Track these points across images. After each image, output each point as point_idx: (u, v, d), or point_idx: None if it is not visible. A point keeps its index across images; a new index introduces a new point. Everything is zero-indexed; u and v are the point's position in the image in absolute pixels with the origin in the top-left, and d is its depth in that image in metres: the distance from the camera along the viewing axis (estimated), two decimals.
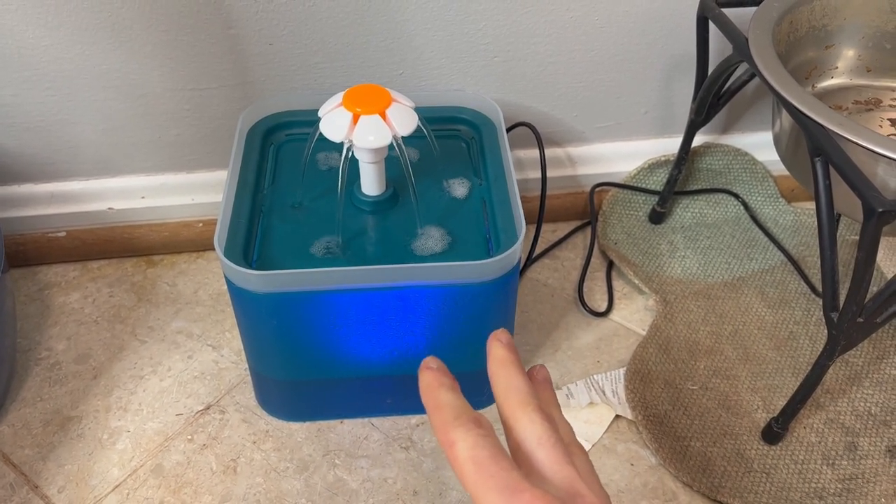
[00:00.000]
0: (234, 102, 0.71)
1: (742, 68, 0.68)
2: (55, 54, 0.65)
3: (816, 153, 0.51)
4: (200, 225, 0.78)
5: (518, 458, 0.30)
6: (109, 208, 0.76)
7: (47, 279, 0.78)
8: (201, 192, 0.77)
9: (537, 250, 0.80)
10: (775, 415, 0.63)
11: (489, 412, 0.66)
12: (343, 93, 0.54)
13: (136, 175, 0.76)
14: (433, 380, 0.32)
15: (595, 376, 0.69)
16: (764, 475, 0.61)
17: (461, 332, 0.59)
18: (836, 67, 0.71)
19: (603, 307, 0.75)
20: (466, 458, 0.28)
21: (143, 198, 0.76)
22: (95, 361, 0.70)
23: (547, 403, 0.33)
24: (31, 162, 0.73)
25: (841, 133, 0.50)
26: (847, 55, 0.71)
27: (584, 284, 0.77)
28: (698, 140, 0.81)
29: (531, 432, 0.30)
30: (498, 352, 0.34)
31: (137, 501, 0.60)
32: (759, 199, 0.83)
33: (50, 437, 0.64)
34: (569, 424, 0.33)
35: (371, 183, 0.58)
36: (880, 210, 0.46)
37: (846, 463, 0.62)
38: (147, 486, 0.61)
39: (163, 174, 0.76)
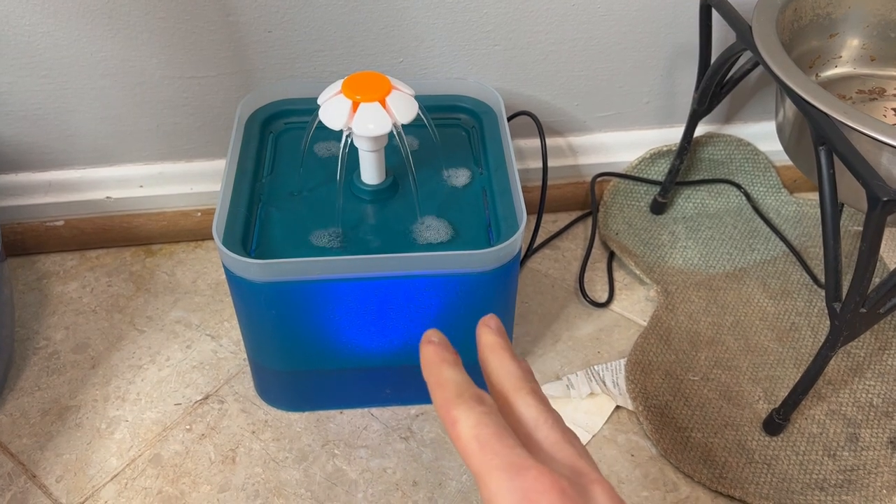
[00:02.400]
0: (233, 91, 0.70)
1: (745, 57, 0.67)
2: (52, 41, 0.64)
3: (820, 142, 0.51)
4: (199, 214, 0.78)
5: (517, 437, 0.29)
6: (108, 197, 0.76)
7: (45, 268, 0.77)
8: (200, 181, 0.76)
9: (538, 241, 0.79)
10: (777, 406, 0.62)
11: None
12: (342, 80, 0.54)
13: (135, 164, 0.75)
14: (434, 355, 0.32)
15: (596, 367, 0.68)
16: (765, 466, 0.61)
17: (461, 322, 0.58)
18: (840, 56, 0.71)
19: (604, 298, 0.75)
20: (470, 437, 0.28)
21: (141, 187, 0.76)
22: (94, 351, 0.70)
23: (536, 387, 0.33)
24: (28, 150, 0.72)
25: (846, 122, 0.50)
26: (851, 44, 0.70)
27: (585, 275, 0.77)
28: (700, 130, 0.80)
29: (528, 415, 0.30)
30: (488, 338, 0.33)
31: (136, 491, 0.59)
32: (761, 189, 0.83)
33: (48, 427, 0.64)
34: (558, 414, 0.33)
35: (371, 171, 0.58)
36: (885, 199, 0.46)
37: (847, 454, 0.62)
38: (145, 475, 0.60)
39: (161, 163, 0.76)
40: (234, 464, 0.61)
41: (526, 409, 0.30)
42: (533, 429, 0.29)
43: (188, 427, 0.64)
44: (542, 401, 0.30)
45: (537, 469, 0.26)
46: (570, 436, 0.30)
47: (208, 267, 0.78)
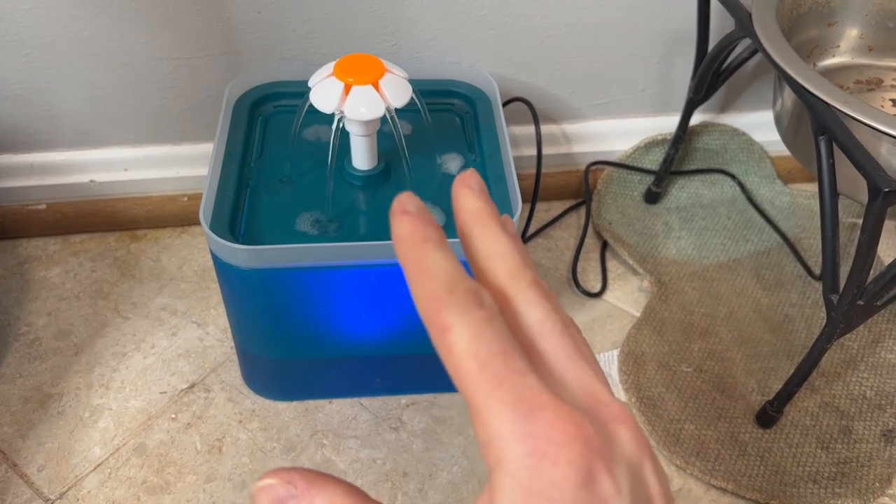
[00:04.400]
0: (221, 73, 0.69)
1: (742, 45, 0.66)
2: (34, 19, 0.62)
3: (821, 132, 0.50)
4: (185, 199, 0.76)
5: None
6: (91, 181, 0.74)
7: (27, 253, 0.75)
8: (186, 165, 0.75)
9: (531, 230, 0.78)
10: (770, 398, 0.62)
11: None
12: (334, 62, 0.52)
13: (119, 147, 0.73)
14: (413, 230, 0.22)
15: None
16: (758, 458, 0.60)
17: None
18: (839, 46, 0.70)
19: (597, 288, 0.74)
20: (466, 353, 0.20)
21: (126, 170, 0.74)
22: (77, 338, 0.68)
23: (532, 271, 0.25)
24: (9, 131, 0.70)
25: (847, 112, 0.49)
26: (850, 34, 0.69)
27: (578, 265, 0.76)
28: (696, 119, 0.79)
29: (530, 316, 0.22)
30: (470, 203, 0.24)
31: (120, 481, 0.58)
32: (755, 179, 0.82)
33: (30, 415, 0.62)
34: (555, 296, 0.26)
35: (362, 156, 0.57)
36: (886, 190, 0.45)
37: (840, 447, 0.61)
38: (129, 465, 0.59)
39: (147, 146, 0.74)
40: (220, 453, 0.60)
41: (528, 307, 0.22)
42: (537, 335, 0.22)
43: (173, 416, 0.63)
44: (548, 297, 0.23)
45: (555, 410, 0.20)
46: (583, 347, 0.23)
47: (194, 253, 0.76)
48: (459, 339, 0.20)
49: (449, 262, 0.22)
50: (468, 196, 0.24)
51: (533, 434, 0.20)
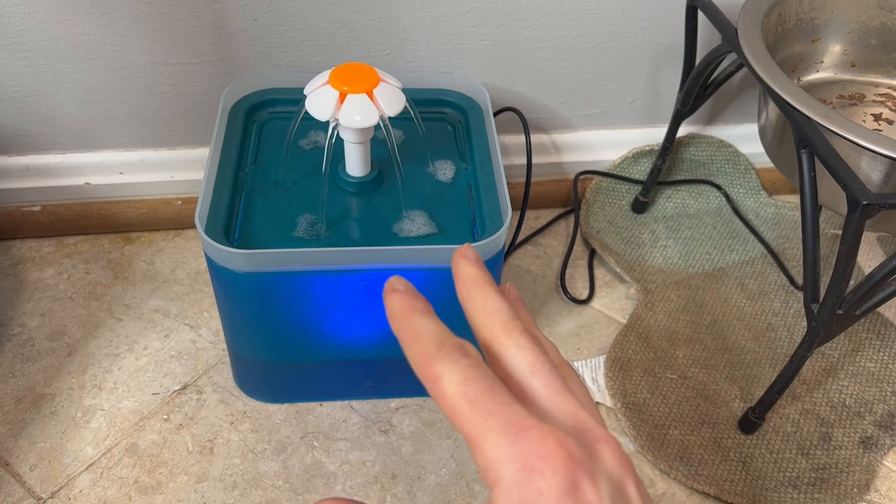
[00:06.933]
0: (217, 78, 0.70)
1: (728, 59, 0.68)
2: (33, 23, 0.63)
3: (803, 145, 0.51)
4: (179, 203, 0.77)
5: (509, 390, 0.25)
6: (87, 183, 0.75)
7: (21, 254, 0.76)
8: (181, 169, 0.75)
9: (520, 237, 0.79)
10: (752, 405, 0.63)
11: None
12: (330, 71, 0.53)
13: (115, 150, 0.74)
14: (403, 304, 0.27)
15: (575, 363, 0.69)
16: (740, 464, 0.62)
17: (444, 317, 0.58)
18: (822, 62, 0.72)
19: (584, 295, 0.75)
20: (458, 395, 0.24)
21: (121, 173, 0.75)
22: (70, 338, 0.69)
23: (528, 324, 0.29)
24: (6, 133, 0.71)
25: (828, 126, 0.50)
26: (833, 50, 0.71)
27: (566, 272, 0.77)
28: (683, 130, 0.81)
29: (521, 359, 0.26)
30: (467, 270, 0.28)
31: (111, 481, 0.59)
32: (740, 190, 0.84)
33: (22, 415, 0.63)
34: (553, 344, 0.29)
35: (356, 163, 0.58)
36: (864, 203, 0.46)
37: (820, 453, 0.63)
38: (121, 465, 0.60)
39: (142, 150, 0.75)
40: (211, 454, 0.61)
41: (519, 353, 0.26)
42: (527, 377, 0.25)
43: (166, 417, 0.63)
44: (537, 342, 0.26)
45: (539, 429, 0.23)
46: (572, 381, 0.27)
47: (188, 256, 0.77)
48: (450, 383, 0.24)
49: (436, 326, 0.26)
50: (466, 265, 0.28)
51: (522, 452, 0.22)
